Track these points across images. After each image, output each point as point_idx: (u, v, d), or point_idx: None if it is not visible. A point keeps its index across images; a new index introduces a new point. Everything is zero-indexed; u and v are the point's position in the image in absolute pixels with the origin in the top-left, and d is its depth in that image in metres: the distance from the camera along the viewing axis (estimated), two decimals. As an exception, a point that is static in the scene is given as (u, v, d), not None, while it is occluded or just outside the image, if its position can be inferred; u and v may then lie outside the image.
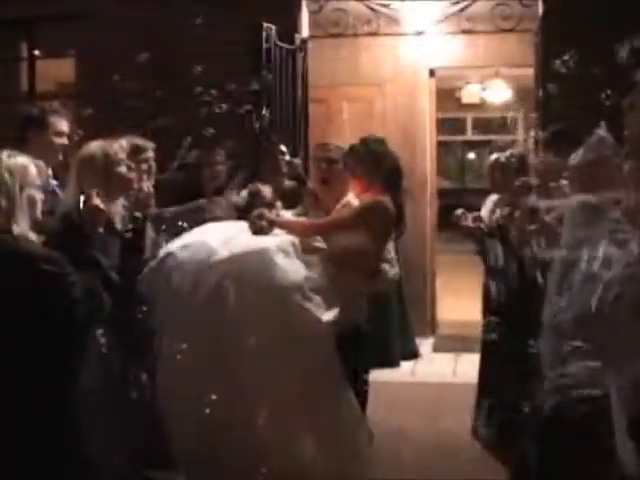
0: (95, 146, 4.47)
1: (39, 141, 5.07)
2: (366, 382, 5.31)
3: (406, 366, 8.67)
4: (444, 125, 17.39)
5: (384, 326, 8.14)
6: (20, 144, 5.08)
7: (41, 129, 5.08)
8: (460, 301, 10.71)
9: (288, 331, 4.51)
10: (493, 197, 6.59)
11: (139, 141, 5.56)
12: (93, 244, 3.89)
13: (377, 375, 7.84)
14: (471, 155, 23.81)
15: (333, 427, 4.63)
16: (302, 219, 5.32)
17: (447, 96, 15.61)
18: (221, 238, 4.72)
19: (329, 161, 5.24)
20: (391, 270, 5.21)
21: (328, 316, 4.62)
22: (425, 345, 9.48)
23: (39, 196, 3.67)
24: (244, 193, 5.49)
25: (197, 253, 4.61)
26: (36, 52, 9.03)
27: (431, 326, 10.11)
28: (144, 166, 5.46)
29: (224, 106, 6.60)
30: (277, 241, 4.78)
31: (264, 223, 4.97)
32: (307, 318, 4.55)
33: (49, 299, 3.49)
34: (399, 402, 7.30)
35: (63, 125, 5.15)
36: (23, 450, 3.45)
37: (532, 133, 7.92)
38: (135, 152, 5.46)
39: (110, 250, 4.03)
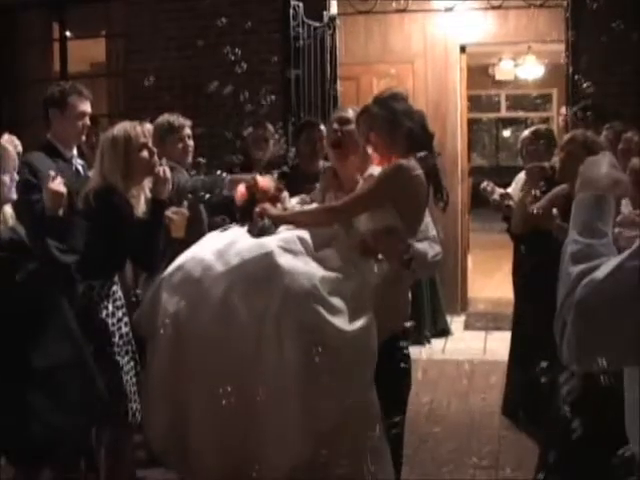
0: (118, 129, 4.47)
1: (60, 122, 5.08)
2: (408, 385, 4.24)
3: (437, 343, 8.70)
4: (477, 102, 17.33)
5: (415, 303, 8.16)
6: (45, 125, 5.15)
7: (61, 110, 5.07)
8: (492, 279, 10.72)
9: (303, 345, 3.54)
10: (522, 174, 6.61)
11: (175, 118, 5.57)
12: (52, 227, 3.94)
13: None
14: (506, 132, 23.71)
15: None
16: (313, 206, 4.23)
17: (481, 73, 15.55)
18: (215, 249, 3.83)
19: (340, 121, 4.17)
20: (431, 250, 3.99)
21: (354, 324, 3.64)
22: (456, 323, 9.50)
23: (5, 179, 3.77)
24: (241, 188, 4.36)
25: (190, 274, 3.78)
26: (68, 33, 9.08)
27: (462, 304, 10.10)
28: (180, 145, 5.49)
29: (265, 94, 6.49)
30: (280, 241, 3.80)
31: (266, 222, 4.00)
32: (325, 328, 3.56)
33: None
34: (429, 379, 7.31)
35: (84, 105, 5.10)
36: None
37: (563, 110, 7.89)
38: (171, 130, 5.49)
39: (72, 233, 4.02)
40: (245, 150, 6.52)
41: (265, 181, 4.34)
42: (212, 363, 3.64)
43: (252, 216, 4.06)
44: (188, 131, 5.58)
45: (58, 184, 3.97)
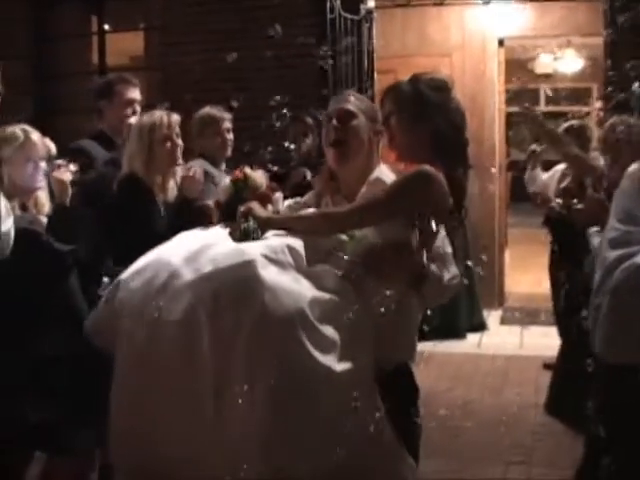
0: (145, 118, 4.54)
1: (110, 111, 5.13)
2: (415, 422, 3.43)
3: (473, 338, 8.68)
4: (517, 96, 17.20)
5: (451, 297, 8.12)
6: (97, 118, 5.22)
7: (109, 99, 5.13)
8: (529, 274, 10.67)
9: (275, 384, 2.79)
10: (560, 166, 6.70)
11: (215, 112, 5.60)
12: (58, 215, 3.98)
13: (443, 346, 7.91)
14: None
15: None
16: (311, 211, 3.44)
17: (520, 67, 15.44)
18: (186, 251, 3.10)
19: (341, 115, 3.38)
20: (446, 273, 3.29)
21: (345, 363, 2.89)
22: (493, 317, 9.45)
23: (27, 167, 3.91)
24: (227, 181, 3.67)
25: (153, 279, 3.06)
26: (106, 26, 9.14)
27: (499, 298, 10.06)
28: (218, 138, 5.53)
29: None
30: (266, 248, 3.05)
31: (251, 224, 3.25)
32: (306, 364, 2.83)
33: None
34: (464, 374, 7.30)
35: (132, 93, 5.13)
36: None
37: (597, 104, 7.86)
38: (211, 122, 5.52)
39: (73, 223, 4.07)
40: (282, 145, 6.53)
41: (256, 175, 3.62)
42: (170, 388, 2.97)
43: (236, 216, 3.36)
44: (228, 125, 5.59)
45: (62, 173, 4.01)
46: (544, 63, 15.83)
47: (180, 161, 4.50)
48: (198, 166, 4.82)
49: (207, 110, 5.61)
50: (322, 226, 3.24)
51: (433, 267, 3.21)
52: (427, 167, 3.13)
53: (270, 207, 3.50)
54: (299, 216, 3.38)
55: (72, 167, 4.12)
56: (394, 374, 3.16)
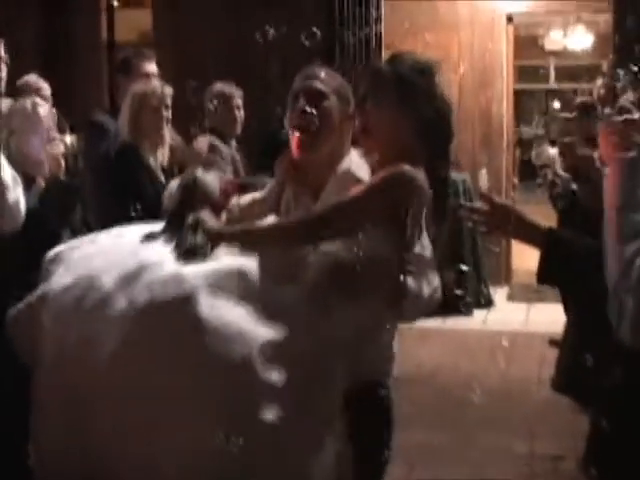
0: (139, 86, 4.55)
1: (126, 86, 5.14)
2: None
3: (479, 314, 8.74)
4: (526, 73, 17.16)
5: (457, 273, 8.16)
6: (115, 92, 5.24)
7: (126, 74, 5.14)
8: (537, 251, 10.65)
9: (227, 443, 2.37)
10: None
11: (226, 88, 5.62)
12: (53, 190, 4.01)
13: (449, 322, 7.93)
14: (556, 104, 23.41)
15: None
16: (269, 221, 2.85)
17: (529, 43, 15.40)
18: (120, 271, 2.62)
19: (310, 95, 2.85)
20: (426, 287, 2.75)
21: (293, 412, 2.45)
22: (499, 294, 9.49)
23: (33, 140, 3.89)
24: (173, 185, 3.14)
25: (80, 302, 2.61)
26: (115, 2, 9.14)
27: (506, 275, 10.08)
28: (229, 114, 5.56)
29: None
30: (211, 276, 2.56)
31: (199, 238, 2.70)
32: (253, 420, 2.41)
33: None
34: (470, 349, 7.32)
35: (148, 67, 5.11)
36: None
37: (599, 82, 7.85)
38: (219, 99, 5.54)
39: (73, 196, 4.13)
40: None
41: (207, 179, 3.05)
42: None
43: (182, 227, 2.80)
44: (239, 101, 5.61)
45: (55, 146, 4.06)
46: (554, 40, 15.77)
47: (165, 132, 4.50)
48: (205, 141, 4.85)
49: (218, 86, 5.63)
50: (281, 239, 2.75)
51: (411, 281, 2.70)
52: (406, 167, 2.66)
53: (224, 217, 2.97)
54: (255, 228, 2.83)
55: (67, 139, 4.15)
56: (364, 398, 2.67)
